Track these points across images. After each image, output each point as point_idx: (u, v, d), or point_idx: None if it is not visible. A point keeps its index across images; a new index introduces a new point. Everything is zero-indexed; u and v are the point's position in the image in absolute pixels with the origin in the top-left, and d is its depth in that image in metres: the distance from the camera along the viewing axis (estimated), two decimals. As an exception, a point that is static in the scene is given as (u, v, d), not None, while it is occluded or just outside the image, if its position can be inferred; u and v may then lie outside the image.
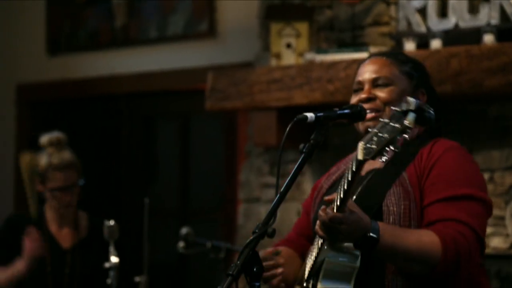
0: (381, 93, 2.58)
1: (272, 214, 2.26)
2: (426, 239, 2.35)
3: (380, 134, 2.11)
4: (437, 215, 2.41)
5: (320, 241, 2.44)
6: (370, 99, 2.58)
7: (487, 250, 3.82)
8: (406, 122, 2.07)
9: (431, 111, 2.12)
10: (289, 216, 4.55)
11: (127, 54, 5.72)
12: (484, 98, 3.87)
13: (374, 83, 2.60)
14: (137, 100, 5.89)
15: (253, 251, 2.19)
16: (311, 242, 2.71)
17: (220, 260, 4.05)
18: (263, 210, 4.63)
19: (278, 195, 2.30)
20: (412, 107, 2.08)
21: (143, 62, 5.63)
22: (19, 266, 3.78)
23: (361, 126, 2.59)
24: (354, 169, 2.21)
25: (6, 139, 6.21)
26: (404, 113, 2.09)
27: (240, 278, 2.19)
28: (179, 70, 5.47)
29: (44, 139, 3.97)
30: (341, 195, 2.26)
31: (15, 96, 6.20)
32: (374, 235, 2.30)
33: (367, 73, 2.62)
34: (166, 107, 5.85)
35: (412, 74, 2.63)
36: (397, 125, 2.08)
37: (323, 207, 2.32)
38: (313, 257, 2.50)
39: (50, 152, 3.93)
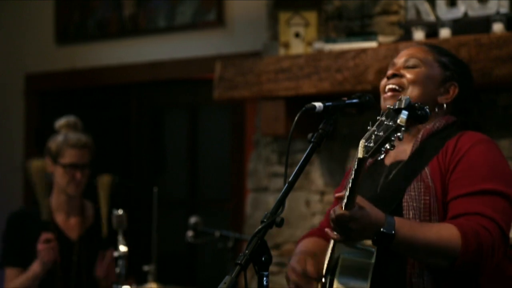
0: (408, 73, 2.61)
1: (281, 203, 2.26)
2: (445, 232, 2.34)
3: (377, 132, 2.12)
4: (461, 209, 2.40)
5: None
6: (396, 75, 2.61)
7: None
8: (398, 121, 2.08)
9: (425, 109, 2.12)
10: (298, 205, 4.56)
11: (136, 44, 5.72)
12: (493, 87, 3.85)
13: (405, 63, 2.64)
14: (145, 89, 5.89)
15: (261, 240, 2.19)
16: None
17: (229, 249, 4.06)
18: (271, 200, 4.63)
19: (286, 185, 2.30)
20: (403, 105, 2.09)
21: (152, 51, 5.63)
22: (34, 267, 3.82)
23: (382, 104, 2.62)
24: (355, 167, 2.21)
25: (14, 129, 6.22)
26: (397, 111, 2.10)
27: (249, 267, 2.19)
28: (187, 60, 5.47)
29: (61, 121, 4.02)
30: (347, 193, 2.25)
31: (24, 86, 6.20)
32: (389, 231, 2.29)
33: (402, 57, 2.66)
34: (174, 96, 5.85)
35: (448, 65, 2.64)
36: (391, 123, 2.10)
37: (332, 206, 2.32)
38: (329, 250, 2.50)
39: (65, 132, 3.98)
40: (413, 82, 2.59)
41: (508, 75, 3.60)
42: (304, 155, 2.36)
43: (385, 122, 2.12)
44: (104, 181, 3.95)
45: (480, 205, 2.38)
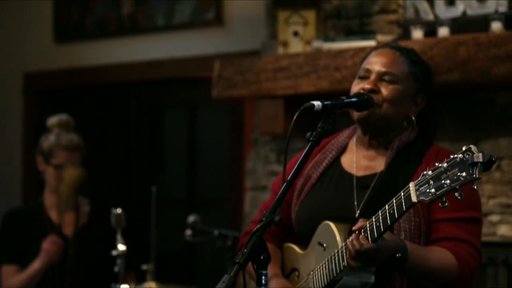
0: (385, 90, 2.58)
1: (279, 202, 2.26)
2: (445, 259, 2.46)
3: (441, 181, 2.14)
4: (449, 234, 2.50)
5: (335, 260, 2.47)
6: (374, 91, 2.58)
7: (495, 238, 3.84)
8: (476, 175, 2.09)
9: (494, 159, 2.11)
10: (296, 204, 4.56)
11: (134, 42, 5.71)
12: (491, 86, 3.86)
13: (381, 76, 2.60)
14: (144, 88, 5.89)
15: (260, 239, 2.19)
16: (290, 231, 2.72)
17: (227, 248, 4.06)
18: (270, 198, 4.63)
19: (285, 183, 2.30)
20: (482, 159, 2.08)
21: (150, 50, 5.63)
22: (35, 265, 3.85)
23: (355, 115, 2.60)
24: (404, 209, 2.25)
25: (13, 128, 6.22)
26: (472, 164, 2.09)
27: (247, 266, 2.19)
28: (186, 58, 5.46)
29: (53, 120, 4.05)
30: (382, 229, 2.30)
31: (22, 85, 6.20)
32: (403, 256, 2.37)
33: (377, 64, 2.61)
34: (173, 95, 5.85)
35: (419, 77, 2.63)
36: (463, 174, 2.11)
37: (353, 236, 2.35)
38: (332, 273, 2.50)
39: (58, 133, 4.00)
40: (388, 101, 2.57)
41: (506, 74, 3.60)
42: (303, 154, 2.36)
43: (453, 172, 2.12)
44: (69, 173, 3.97)
45: (466, 233, 2.51)
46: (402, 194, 2.25)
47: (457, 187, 2.12)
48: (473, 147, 2.11)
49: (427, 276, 2.45)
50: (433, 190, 2.15)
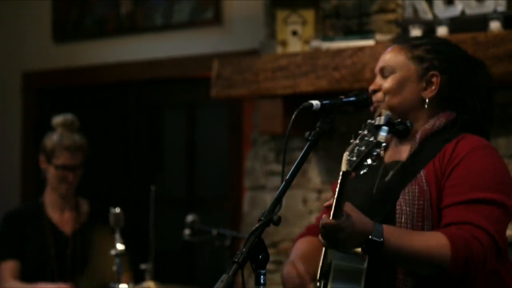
0: (384, 83, 2.57)
1: (278, 201, 2.26)
2: (434, 241, 2.32)
3: (359, 147, 2.15)
4: (454, 218, 2.37)
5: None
6: (375, 90, 2.58)
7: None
8: (378, 138, 2.11)
9: (406, 123, 2.15)
10: (295, 203, 4.56)
11: (133, 42, 5.71)
12: (490, 86, 3.85)
13: (382, 73, 2.59)
14: (143, 87, 5.89)
15: (259, 238, 2.19)
16: None
17: (226, 247, 4.06)
18: (268, 198, 4.63)
19: (283, 183, 2.30)
20: (382, 121, 2.12)
21: (149, 49, 5.63)
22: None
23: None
24: (340, 180, 2.19)
25: (12, 127, 6.22)
26: (377, 127, 2.12)
27: (246, 266, 2.19)
28: (184, 58, 5.46)
29: (58, 119, 4.05)
30: (334, 203, 2.23)
31: (21, 84, 6.20)
32: (377, 239, 2.28)
33: (379, 63, 2.62)
34: (172, 94, 5.85)
35: (422, 57, 2.56)
36: (371, 139, 2.12)
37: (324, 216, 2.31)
38: (321, 257, 2.49)
39: (61, 132, 3.99)
40: (387, 92, 2.54)
41: (505, 73, 3.60)
42: (302, 153, 2.36)
43: (367, 138, 2.14)
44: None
45: (474, 215, 2.35)
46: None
47: (370, 151, 2.11)
48: (383, 111, 2.14)
49: (412, 260, 2.32)
50: (354, 158, 2.14)
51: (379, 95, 2.56)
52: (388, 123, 2.13)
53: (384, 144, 2.11)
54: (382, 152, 2.10)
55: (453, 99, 2.56)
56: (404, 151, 2.56)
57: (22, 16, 6.18)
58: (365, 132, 2.15)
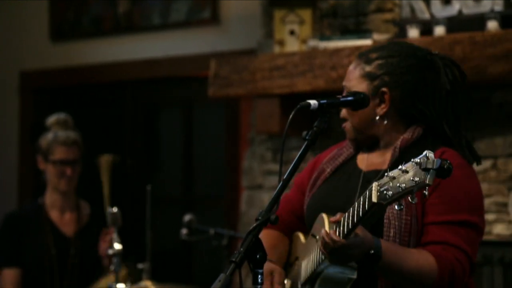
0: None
1: (275, 201, 2.26)
2: (424, 261, 2.42)
3: (398, 184, 2.13)
4: (437, 237, 2.46)
5: (320, 251, 2.45)
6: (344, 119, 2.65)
7: (490, 237, 3.84)
8: (426, 181, 2.09)
9: (451, 166, 2.10)
10: (292, 203, 4.55)
11: (131, 41, 5.71)
12: (487, 85, 3.86)
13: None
14: (140, 86, 5.89)
15: (256, 238, 2.19)
16: (301, 221, 2.73)
17: (223, 247, 4.06)
18: (266, 197, 4.63)
19: (281, 182, 2.30)
20: (434, 166, 2.08)
21: (146, 49, 5.63)
22: None
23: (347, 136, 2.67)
24: (366, 208, 2.23)
25: (9, 127, 6.21)
26: (425, 170, 2.09)
27: (243, 265, 2.19)
28: (182, 57, 5.46)
29: (51, 119, 4.09)
30: (350, 226, 2.29)
31: (18, 83, 6.19)
32: (377, 253, 2.35)
33: (344, 80, 2.67)
34: (169, 94, 5.84)
35: (374, 74, 2.57)
36: (416, 179, 2.10)
37: (330, 230, 2.34)
38: (313, 265, 2.51)
39: (55, 130, 4.03)
40: (347, 115, 2.62)
41: (502, 72, 3.61)
42: (299, 153, 2.36)
43: (409, 176, 2.11)
44: (105, 160, 4.00)
45: (455, 236, 2.45)
46: (367, 193, 2.23)
47: (413, 190, 2.10)
48: (429, 153, 2.09)
49: (403, 277, 2.41)
50: (390, 192, 2.14)
51: (344, 112, 2.63)
52: (439, 168, 2.09)
53: (428, 187, 2.11)
54: (426, 193, 2.11)
55: (413, 111, 2.59)
56: (381, 160, 2.58)
57: (20, 15, 6.17)
58: (404, 168, 2.13)
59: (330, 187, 2.66)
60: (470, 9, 3.88)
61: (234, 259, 2.16)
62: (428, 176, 2.08)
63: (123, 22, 5.72)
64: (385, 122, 2.58)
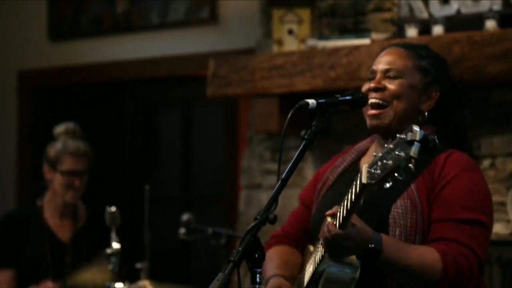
0: (390, 85, 2.56)
1: (274, 200, 2.27)
2: (428, 256, 2.39)
3: (385, 161, 2.11)
4: (444, 234, 2.45)
5: (322, 249, 2.44)
6: (379, 89, 2.57)
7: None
8: (411, 153, 2.07)
9: (436, 141, 2.09)
10: (291, 202, 4.55)
11: (129, 41, 5.71)
12: (486, 85, 3.86)
13: (386, 74, 2.59)
14: (139, 86, 5.89)
15: (254, 237, 2.19)
16: (309, 236, 2.72)
17: (222, 246, 4.06)
18: (264, 197, 4.63)
19: (279, 182, 2.30)
20: (417, 137, 2.07)
21: (145, 48, 5.63)
22: None
23: (368, 121, 2.60)
24: (357, 191, 2.21)
25: (7, 126, 6.21)
26: (409, 143, 2.08)
27: (242, 264, 2.19)
28: (180, 57, 5.46)
29: (60, 128, 4.04)
30: (344, 214, 2.27)
31: (17, 83, 6.19)
32: (377, 247, 2.33)
33: (381, 63, 2.61)
34: (168, 93, 5.85)
35: (428, 70, 2.60)
36: (402, 154, 2.08)
37: (326, 222, 2.32)
38: (315, 264, 2.50)
39: (64, 140, 3.99)
40: (396, 96, 2.56)
41: (501, 72, 3.61)
42: (297, 152, 2.36)
43: (395, 151, 2.10)
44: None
45: (461, 234, 2.44)
46: (358, 176, 2.21)
47: (399, 165, 2.08)
48: (414, 127, 2.09)
49: (405, 272, 2.39)
50: (378, 171, 2.12)
51: (386, 94, 2.56)
52: (423, 139, 2.08)
53: (414, 161, 2.08)
54: (412, 167, 2.08)
55: (439, 114, 2.62)
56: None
57: (18, 14, 6.17)
58: (391, 146, 2.11)
59: (334, 194, 2.64)
60: (468, 8, 3.88)
61: (232, 259, 2.16)
62: (413, 148, 2.06)
63: (122, 22, 5.72)
64: (420, 118, 2.59)
